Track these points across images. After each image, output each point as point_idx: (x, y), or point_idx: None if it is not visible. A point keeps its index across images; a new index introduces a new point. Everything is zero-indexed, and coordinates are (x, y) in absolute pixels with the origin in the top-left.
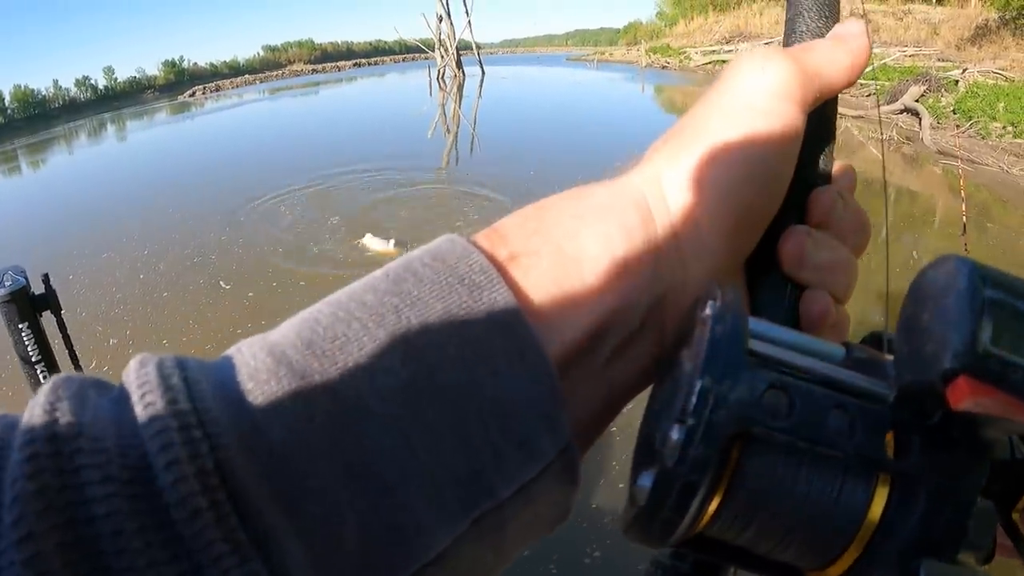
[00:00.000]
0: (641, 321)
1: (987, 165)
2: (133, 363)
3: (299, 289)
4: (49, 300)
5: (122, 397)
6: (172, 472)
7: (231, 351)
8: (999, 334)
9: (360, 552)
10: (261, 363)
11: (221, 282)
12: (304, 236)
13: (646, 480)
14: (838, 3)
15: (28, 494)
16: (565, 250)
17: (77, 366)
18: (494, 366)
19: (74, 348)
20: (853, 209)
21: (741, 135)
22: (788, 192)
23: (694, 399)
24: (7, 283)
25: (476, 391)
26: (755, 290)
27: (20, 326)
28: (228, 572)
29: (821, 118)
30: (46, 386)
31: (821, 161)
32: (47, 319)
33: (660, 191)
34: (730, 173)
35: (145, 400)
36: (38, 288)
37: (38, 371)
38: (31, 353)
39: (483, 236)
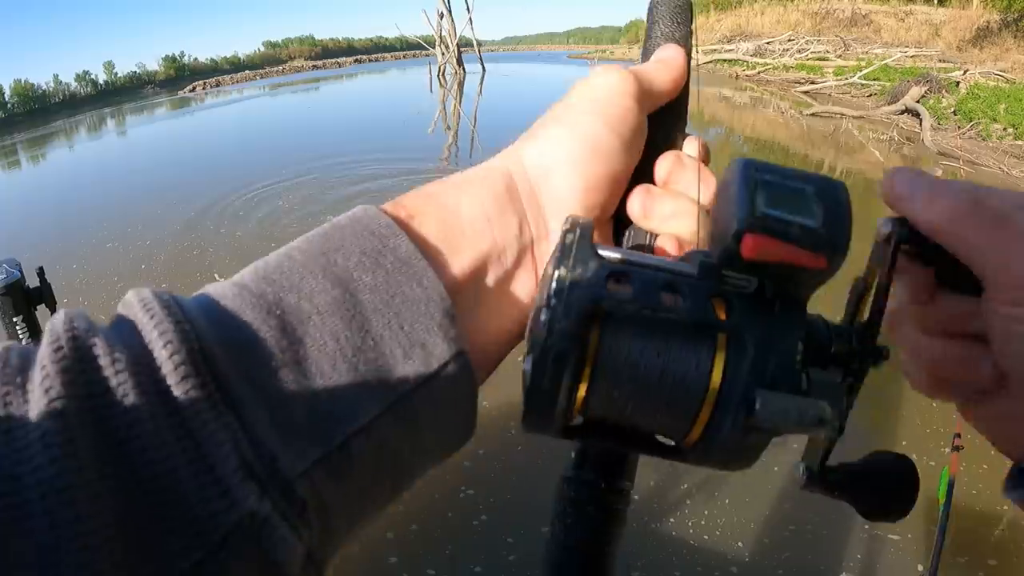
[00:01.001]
0: (514, 262)
1: (987, 167)
2: (130, 293)
3: None
4: (44, 294)
5: (121, 321)
6: (168, 349)
7: (203, 288)
8: (773, 201)
9: (306, 416)
10: (227, 289)
11: (216, 274)
12: (300, 230)
13: (527, 363)
14: (690, 11)
15: (54, 373)
16: (448, 209)
17: None
18: (399, 289)
19: None
20: (691, 169)
21: (587, 119)
22: (643, 162)
23: (554, 284)
24: (1, 276)
25: (388, 307)
26: (620, 240)
27: (15, 319)
28: (207, 423)
29: (674, 109)
30: (61, 312)
31: (675, 139)
32: (42, 313)
33: (521, 165)
34: (576, 147)
35: (147, 307)
36: (33, 281)
37: None
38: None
39: (388, 205)
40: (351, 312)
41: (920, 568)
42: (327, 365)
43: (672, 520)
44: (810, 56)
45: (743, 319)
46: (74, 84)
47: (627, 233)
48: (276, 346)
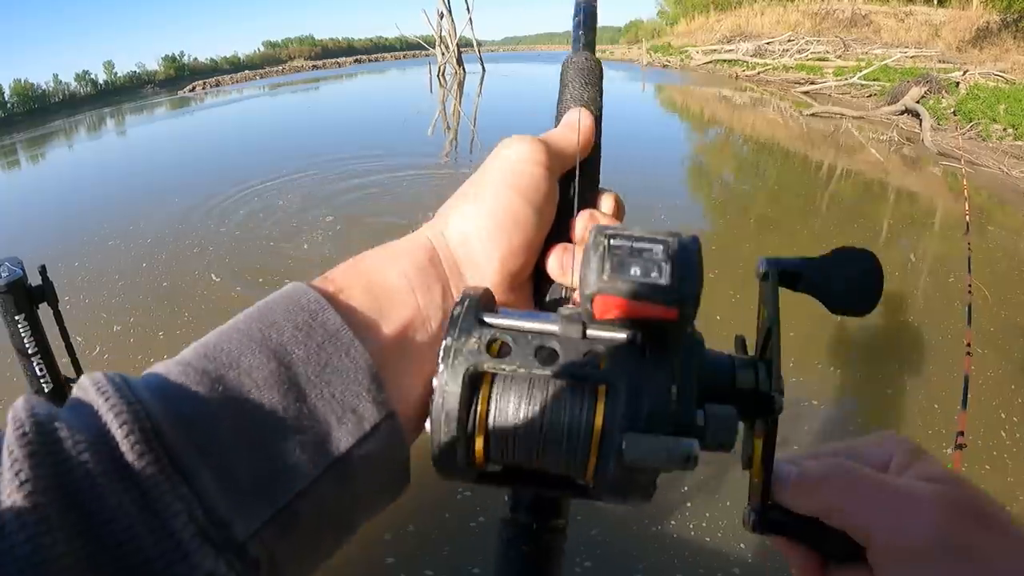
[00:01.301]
0: (438, 328)
1: (987, 167)
2: (83, 378)
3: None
4: (46, 292)
5: (77, 405)
6: (124, 429)
7: (150, 368)
8: (621, 264)
9: (251, 482)
10: (172, 369)
11: (212, 275)
12: (296, 231)
13: (427, 423)
14: (599, 71)
15: (22, 456)
16: (373, 282)
17: (73, 358)
18: (330, 360)
19: (71, 340)
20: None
21: (496, 190)
22: (559, 221)
23: (441, 353)
24: (3, 274)
25: (320, 377)
26: (543, 295)
27: (16, 318)
28: (164, 494)
29: (583, 171)
30: (20, 399)
31: (584, 197)
32: (44, 312)
33: (442, 237)
34: (490, 217)
35: (101, 391)
36: (35, 280)
37: (34, 363)
38: (27, 345)
39: (318, 281)
40: (287, 384)
41: None
42: (268, 434)
43: (673, 522)
44: (810, 56)
45: (615, 369)
46: (74, 84)
47: (548, 289)
48: (220, 419)
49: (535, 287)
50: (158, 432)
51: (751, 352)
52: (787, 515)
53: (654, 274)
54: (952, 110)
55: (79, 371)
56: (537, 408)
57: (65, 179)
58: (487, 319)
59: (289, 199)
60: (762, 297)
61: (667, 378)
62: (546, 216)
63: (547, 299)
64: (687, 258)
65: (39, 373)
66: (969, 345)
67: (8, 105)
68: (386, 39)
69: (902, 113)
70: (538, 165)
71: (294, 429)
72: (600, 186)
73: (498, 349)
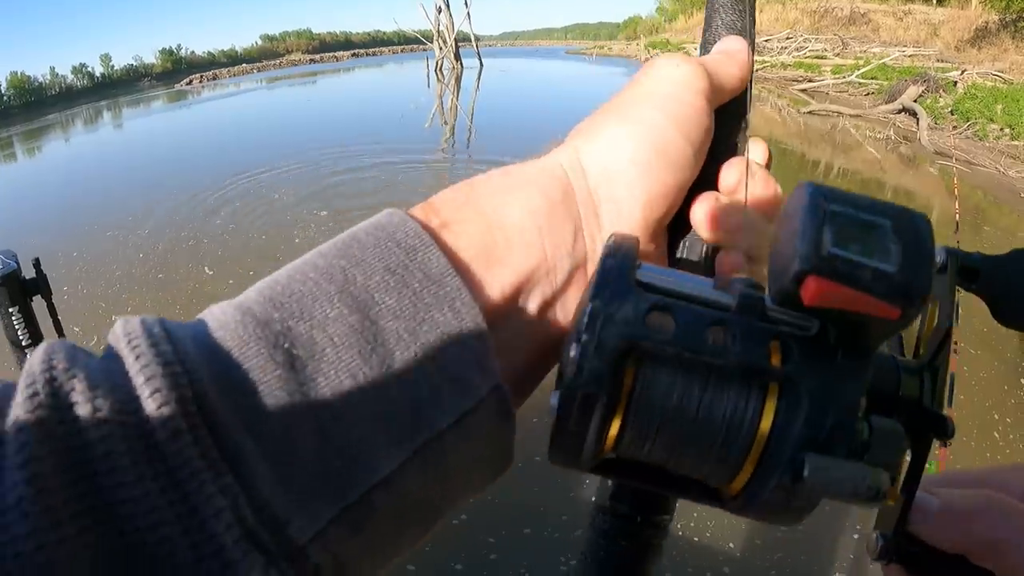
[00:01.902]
0: (565, 280)
1: (984, 166)
2: (119, 323)
3: None
4: (40, 285)
5: (110, 355)
6: (156, 399)
7: (204, 313)
8: (843, 239)
9: (318, 470)
10: (229, 316)
11: (206, 268)
12: (290, 224)
13: (554, 398)
14: (752, 3)
15: (29, 425)
16: (491, 217)
17: None
18: (428, 314)
19: (64, 333)
20: (760, 179)
21: (653, 117)
22: (705, 165)
23: (586, 319)
24: None
25: (414, 335)
26: (675, 250)
27: (10, 310)
28: (204, 484)
29: (733, 107)
30: (41, 346)
31: (736, 141)
32: (38, 304)
33: (579, 166)
34: (642, 149)
35: (132, 345)
36: (29, 273)
37: (28, 355)
38: (21, 337)
39: (418, 208)
40: (371, 344)
41: None
42: (342, 408)
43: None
44: (808, 54)
45: (800, 367)
46: (70, 76)
47: (683, 243)
48: (283, 387)
49: (671, 239)
50: (201, 402)
51: (907, 354)
52: (923, 547)
53: (882, 258)
54: (949, 109)
55: None
56: (695, 401)
57: (62, 171)
58: (645, 279)
59: (284, 192)
60: (934, 291)
61: (858, 391)
62: (701, 156)
63: (678, 255)
64: (920, 242)
65: None
66: (956, 343)
67: (4, 98)
68: (384, 33)
69: (899, 112)
70: (700, 94)
71: (377, 402)
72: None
73: (659, 321)
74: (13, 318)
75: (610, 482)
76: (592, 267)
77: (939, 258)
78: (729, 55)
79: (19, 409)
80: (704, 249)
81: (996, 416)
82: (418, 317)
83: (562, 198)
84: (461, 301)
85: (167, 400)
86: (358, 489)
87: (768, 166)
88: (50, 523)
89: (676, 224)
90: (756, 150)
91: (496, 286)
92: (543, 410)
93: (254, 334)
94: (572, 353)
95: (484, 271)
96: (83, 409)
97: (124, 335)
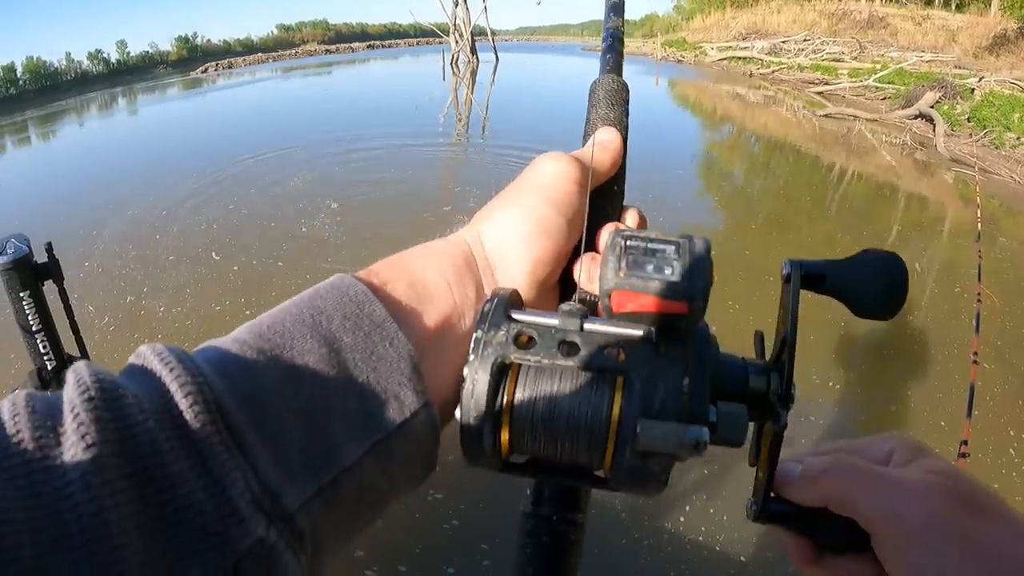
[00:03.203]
0: (471, 325)
1: (999, 175)
2: (145, 348)
3: (276, 270)
4: (51, 269)
5: (135, 371)
6: (189, 400)
7: (204, 345)
8: (635, 263)
9: (302, 457)
10: (230, 345)
11: (213, 253)
12: (300, 213)
13: (458, 411)
14: (625, 91)
15: (90, 419)
16: (415, 278)
17: (78, 336)
18: (375, 349)
19: (75, 319)
20: None
21: (532, 201)
22: (590, 233)
23: (471, 344)
24: (9, 251)
25: (366, 363)
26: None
27: (21, 295)
28: (224, 464)
29: (611, 186)
30: (82, 364)
31: (609, 211)
32: (49, 289)
33: (479, 240)
34: (524, 226)
35: (165, 362)
36: (41, 257)
37: (38, 341)
38: (32, 322)
39: (362, 273)
40: (336, 368)
41: None
42: (318, 413)
43: (660, 527)
44: (825, 57)
45: (634, 361)
46: (86, 62)
47: (574, 296)
48: (275, 397)
49: (561, 293)
50: (219, 405)
51: (769, 352)
52: (787, 506)
53: (667, 271)
54: (966, 116)
55: (83, 349)
56: (558, 398)
57: (77, 155)
58: (515, 315)
59: (296, 182)
60: (783, 300)
61: (680, 372)
62: (575, 228)
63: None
64: (697, 257)
65: (43, 350)
66: (976, 353)
67: (20, 82)
68: (400, 25)
69: (916, 117)
70: (573, 183)
71: (342, 410)
72: (624, 202)
73: (525, 342)
74: (24, 303)
75: (529, 491)
76: None
77: (784, 270)
78: (602, 146)
79: (78, 408)
80: (589, 299)
81: (1012, 432)
82: (368, 351)
83: (465, 264)
84: (398, 340)
85: (196, 402)
86: (330, 473)
87: (642, 228)
88: (108, 493)
89: (566, 281)
90: (632, 217)
91: (422, 326)
92: None
93: (251, 357)
94: (465, 372)
95: (412, 317)
96: (132, 410)
97: (155, 355)
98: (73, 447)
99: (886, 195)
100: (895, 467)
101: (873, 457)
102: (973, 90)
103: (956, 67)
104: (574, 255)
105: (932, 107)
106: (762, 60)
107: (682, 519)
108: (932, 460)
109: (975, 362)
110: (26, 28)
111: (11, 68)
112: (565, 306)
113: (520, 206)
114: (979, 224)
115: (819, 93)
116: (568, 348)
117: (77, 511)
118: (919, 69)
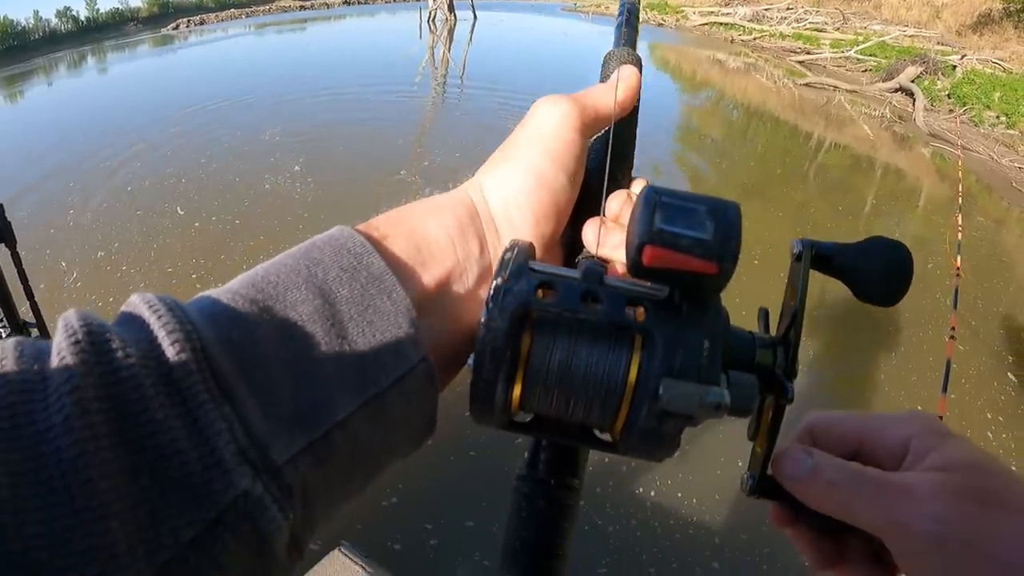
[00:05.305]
0: (475, 282)
1: (977, 152)
2: (135, 296)
3: (236, 230)
4: (3, 233)
5: (125, 319)
6: (176, 347)
7: (198, 296)
8: (669, 219)
9: (292, 409)
10: (222, 295)
11: (178, 208)
12: (269, 168)
13: (470, 359)
14: (639, 67)
15: (75, 363)
16: (416, 231)
17: (33, 303)
18: (372, 302)
19: (29, 283)
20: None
21: (534, 154)
22: (590, 191)
23: (491, 292)
24: None
25: (362, 316)
26: (571, 265)
27: None
28: (209, 412)
29: (618, 138)
30: (72, 310)
31: (618, 170)
32: (1, 252)
33: (481, 194)
34: (527, 180)
35: (154, 309)
36: None
37: None
38: None
39: (362, 226)
40: (330, 320)
41: None
42: (311, 365)
43: (644, 514)
44: (808, 26)
45: (655, 320)
46: (55, 20)
47: (578, 260)
48: (266, 347)
49: (566, 255)
50: (207, 353)
51: (773, 329)
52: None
53: (700, 229)
54: (947, 93)
55: (39, 317)
56: (577, 351)
57: (43, 115)
58: (535, 268)
59: (269, 135)
60: (791, 277)
61: (700, 335)
62: (578, 179)
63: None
64: (730, 219)
65: None
66: (954, 328)
67: None
68: None
69: (896, 91)
70: (571, 130)
71: (336, 363)
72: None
73: (545, 292)
74: None
75: (527, 454)
76: None
77: (796, 248)
78: (610, 84)
79: (64, 351)
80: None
81: (989, 416)
82: (365, 303)
83: (469, 219)
84: (396, 293)
85: (183, 349)
86: (322, 427)
87: None
88: (89, 436)
89: (572, 244)
90: (638, 185)
91: (422, 282)
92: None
93: (242, 307)
94: (482, 318)
95: (412, 271)
96: (118, 354)
97: (145, 303)
98: (57, 389)
99: (863, 167)
100: (913, 458)
101: (889, 446)
102: (955, 67)
103: (939, 43)
104: (576, 217)
105: (913, 81)
106: (744, 27)
107: (653, 493)
108: (951, 447)
109: (952, 337)
110: None
111: None
112: (585, 260)
113: (520, 160)
114: (960, 199)
115: (800, 62)
116: (590, 302)
117: (58, 455)
118: (901, 43)
